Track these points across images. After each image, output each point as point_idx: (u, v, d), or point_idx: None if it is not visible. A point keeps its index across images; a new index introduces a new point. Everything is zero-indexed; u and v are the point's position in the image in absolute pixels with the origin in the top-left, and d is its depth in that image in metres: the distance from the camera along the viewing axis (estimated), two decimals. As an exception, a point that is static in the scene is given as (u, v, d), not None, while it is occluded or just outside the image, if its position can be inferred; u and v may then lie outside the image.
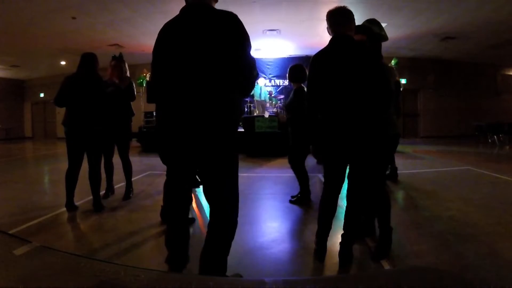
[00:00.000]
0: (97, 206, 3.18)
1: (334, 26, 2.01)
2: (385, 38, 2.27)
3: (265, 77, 11.13)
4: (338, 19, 2.01)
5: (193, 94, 1.45)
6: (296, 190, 3.68)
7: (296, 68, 3.39)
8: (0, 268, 0.71)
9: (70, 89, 3.03)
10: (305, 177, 3.44)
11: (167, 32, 1.55)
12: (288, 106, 3.49)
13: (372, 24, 2.25)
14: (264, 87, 9.48)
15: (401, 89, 4.10)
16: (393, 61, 3.89)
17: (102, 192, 3.50)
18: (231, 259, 2.21)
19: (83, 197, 3.44)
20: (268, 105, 9.70)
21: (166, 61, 1.53)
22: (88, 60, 3.13)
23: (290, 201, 3.46)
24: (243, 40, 1.47)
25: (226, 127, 1.47)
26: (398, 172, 4.52)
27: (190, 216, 2.86)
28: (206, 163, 1.52)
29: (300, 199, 3.44)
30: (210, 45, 1.44)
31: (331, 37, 2.03)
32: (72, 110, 3.05)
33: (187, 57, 1.46)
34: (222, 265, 1.56)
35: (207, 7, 1.51)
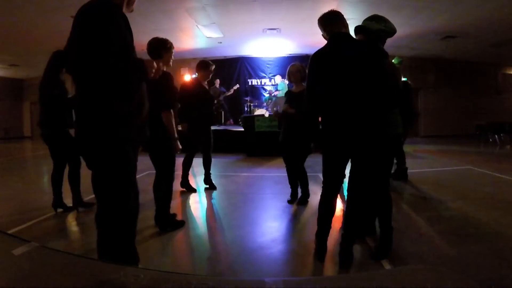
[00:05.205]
0: (77, 203, 3.16)
1: (330, 27, 2.05)
2: (392, 31, 2.15)
3: (265, 76, 11.13)
4: (331, 18, 2.07)
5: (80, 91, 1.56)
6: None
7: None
8: (0, 268, 0.71)
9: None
10: (305, 178, 3.40)
11: None
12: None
13: (372, 21, 2.18)
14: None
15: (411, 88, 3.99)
16: (394, 59, 3.81)
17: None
18: (231, 259, 2.22)
19: (82, 197, 3.43)
20: (265, 104, 9.69)
21: None
22: (49, 61, 3.11)
23: (289, 201, 3.44)
24: (85, 32, 1.45)
25: (93, 125, 1.52)
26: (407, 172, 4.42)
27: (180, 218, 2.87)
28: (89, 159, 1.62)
29: (301, 199, 3.41)
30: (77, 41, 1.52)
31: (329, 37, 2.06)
32: (42, 113, 3.09)
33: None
34: (113, 253, 1.63)
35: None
